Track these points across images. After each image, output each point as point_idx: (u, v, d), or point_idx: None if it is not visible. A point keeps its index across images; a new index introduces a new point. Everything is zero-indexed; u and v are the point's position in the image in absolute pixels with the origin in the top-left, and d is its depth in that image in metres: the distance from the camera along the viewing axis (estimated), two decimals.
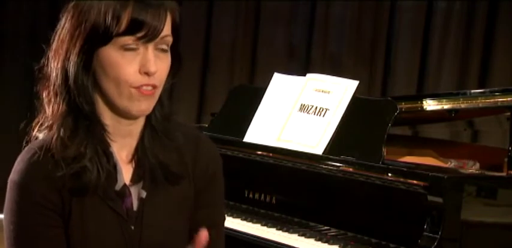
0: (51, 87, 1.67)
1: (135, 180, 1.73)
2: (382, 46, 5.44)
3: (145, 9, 1.62)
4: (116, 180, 1.69)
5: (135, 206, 1.72)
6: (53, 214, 1.66)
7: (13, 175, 1.68)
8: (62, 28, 1.67)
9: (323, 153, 2.77)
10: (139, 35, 1.62)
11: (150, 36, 1.62)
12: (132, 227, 1.71)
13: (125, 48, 1.62)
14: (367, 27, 5.43)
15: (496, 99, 2.95)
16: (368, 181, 2.62)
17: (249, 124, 3.03)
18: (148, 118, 1.73)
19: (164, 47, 1.66)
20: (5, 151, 3.99)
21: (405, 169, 2.57)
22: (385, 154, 2.64)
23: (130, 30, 1.61)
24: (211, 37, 5.48)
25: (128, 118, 1.70)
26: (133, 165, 1.73)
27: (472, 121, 3.55)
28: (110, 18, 1.60)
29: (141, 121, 1.73)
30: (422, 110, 3.05)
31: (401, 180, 2.53)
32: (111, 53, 1.63)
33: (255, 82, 5.32)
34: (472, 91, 3.11)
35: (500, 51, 5.26)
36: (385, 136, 2.66)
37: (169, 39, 1.67)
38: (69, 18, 1.65)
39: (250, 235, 2.77)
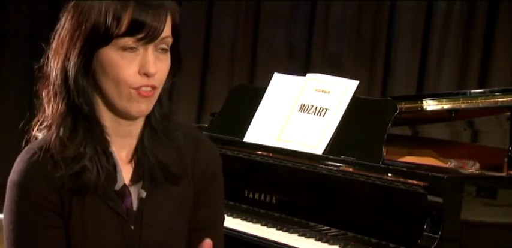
0: (51, 87, 1.67)
1: (134, 179, 1.72)
2: (382, 46, 5.43)
3: (145, 10, 1.61)
4: (115, 180, 1.69)
5: (134, 206, 1.72)
6: (53, 214, 1.66)
7: (13, 175, 1.68)
8: (62, 28, 1.66)
9: (323, 153, 2.77)
10: (139, 36, 1.61)
11: (150, 37, 1.62)
12: (132, 227, 1.71)
13: (125, 49, 1.62)
14: (367, 27, 5.42)
15: (496, 99, 2.95)
16: (368, 181, 2.62)
17: (249, 124, 3.03)
18: (147, 118, 1.73)
19: (164, 47, 1.66)
20: (5, 151, 3.98)
21: (405, 169, 2.57)
22: (385, 154, 2.64)
23: (130, 32, 1.61)
24: (211, 37, 5.48)
25: (128, 119, 1.70)
26: (133, 164, 1.73)
27: (472, 121, 3.55)
28: (110, 19, 1.60)
29: (140, 121, 1.73)
30: (422, 110, 3.05)
31: (401, 180, 2.52)
32: (110, 54, 1.63)
33: (255, 82, 5.32)
34: (472, 91, 3.11)
35: (500, 51, 5.26)
36: (385, 136, 2.66)
37: (169, 40, 1.67)
38: (69, 18, 1.65)
39: (250, 235, 2.77)
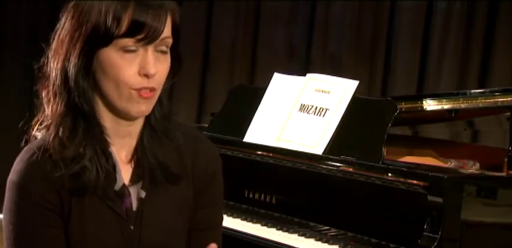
0: (51, 87, 1.67)
1: (134, 180, 1.72)
2: (382, 46, 5.43)
3: (145, 10, 1.61)
4: (115, 180, 1.69)
5: (134, 206, 1.72)
6: (52, 214, 1.66)
7: (12, 175, 1.68)
8: (62, 28, 1.66)
9: (323, 153, 2.77)
10: (139, 37, 1.61)
11: (150, 38, 1.62)
12: (132, 227, 1.71)
13: (125, 50, 1.62)
14: (367, 27, 5.42)
15: (496, 99, 2.95)
16: (368, 181, 2.62)
17: (249, 124, 3.03)
18: (147, 118, 1.73)
19: (164, 49, 1.66)
20: (5, 151, 3.98)
21: (405, 169, 2.57)
22: (385, 154, 2.64)
23: (130, 32, 1.61)
24: (211, 37, 5.48)
25: (127, 119, 1.70)
26: (133, 165, 1.73)
27: (472, 121, 3.55)
28: (110, 20, 1.60)
29: (140, 122, 1.73)
30: (422, 110, 3.05)
31: (401, 180, 2.52)
32: (111, 55, 1.63)
33: (255, 82, 5.32)
34: (472, 91, 3.11)
35: (500, 51, 5.25)
36: (385, 136, 2.66)
37: (169, 41, 1.67)
38: (69, 18, 1.65)
39: (250, 235, 2.77)
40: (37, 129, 1.71)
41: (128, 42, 1.61)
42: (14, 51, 5.29)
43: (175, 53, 1.70)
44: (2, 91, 5.33)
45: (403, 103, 3.00)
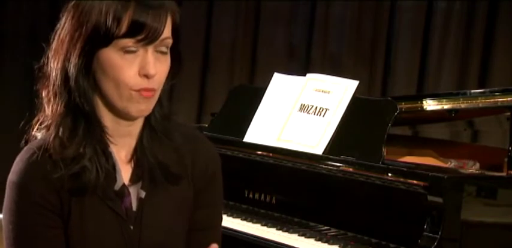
0: (51, 87, 1.67)
1: (134, 179, 1.72)
2: (382, 46, 5.43)
3: (146, 10, 1.61)
4: (115, 180, 1.69)
5: (134, 206, 1.72)
6: (52, 214, 1.66)
7: (12, 175, 1.68)
8: (62, 28, 1.66)
9: (323, 153, 2.77)
10: (139, 37, 1.61)
11: (150, 38, 1.62)
12: (131, 227, 1.71)
13: (125, 51, 1.62)
14: (367, 27, 5.42)
15: (496, 99, 2.95)
16: (368, 181, 2.62)
17: (249, 124, 3.03)
18: (147, 118, 1.73)
19: (164, 49, 1.66)
20: (5, 151, 3.98)
21: (405, 169, 2.57)
22: (385, 154, 2.64)
23: (130, 33, 1.60)
24: (211, 37, 5.48)
25: (127, 119, 1.70)
26: (132, 165, 1.73)
27: (472, 121, 3.55)
28: (110, 20, 1.60)
29: (140, 122, 1.73)
30: (422, 110, 3.05)
31: (401, 180, 2.52)
32: (111, 55, 1.63)
33: (255, 82, 5.31)
34: (472, 91, 3.11)
35: (500, 51, 5.25)
36: (385, 136, 2.66)
37: (169, 42, 1.67)
38: (69, 18, 1.65)
39: (250, 235, 2.77)
40: (37, 129, 1.71)
41: (128, 42, 1.61)
42: (14, 51, 5.29)
43: (176, 54, 1.70)
44: (2, 91, 5.32)
45: (403, 103, 3.00)
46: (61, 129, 1.65)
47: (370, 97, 2.98)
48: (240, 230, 2.80)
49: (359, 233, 2.63)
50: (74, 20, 1.64)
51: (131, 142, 1.73)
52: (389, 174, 2.56)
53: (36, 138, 1.71)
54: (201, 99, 5.49)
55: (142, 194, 1.72)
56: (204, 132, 2.98)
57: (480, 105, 2.97)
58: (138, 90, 1.64)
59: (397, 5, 5.40)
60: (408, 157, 2.99)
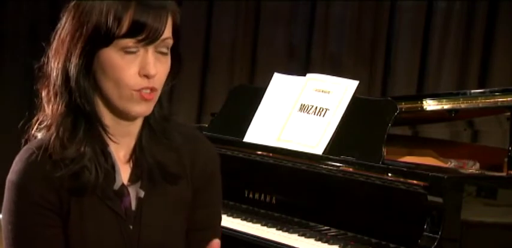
0: (51, 87, 1.67)
1: (133, 179, 1.72)
2: (382, 46, 5.43)
3: (146, 11, 1.61)
4: (114, 180, 1.69)
5: (133, 206, 1.72)
6: (51, 214, 1.66)
7: (11, 175, 1.68)
8: (63, 28, 1.66)
9: (323, 153, 2.77)
10: (140, 37, 1.61)
11: (151, 38, 1.62)
12: (131, 227, 1.71)
13: (125, 51, 1.62)
14: (367, 27, 5.42)
15: (496, 99, 2.95)
16: (368, 181, 2.62)
17: (249, 124, 3.03)
18: (146, 118, 1.73)
19: (164, 50, 1.66)
20: (5, 151, 3.98)
21: (405, 169, 2.57)
22: (385, 154, 2.64)
23: (131, 33, 1.61)
24: (211, 37, 5.48)
25: (127, 119, 1.70)
26: (132, 164, 1.73)
27: (472, 121, 3.55)
28: (111, 20, 1.60)
29: (139, 122, 1.73)
30: (422, 110, 3.05)
31: (401, 180, 2.52)
32: (111, 55, 1.63)
33: (255, 82, 5.31)
34: (472, 91, 3.11)
35: (500, 51, 5.25)
36: (385, 136, 2.66)
37: (170, 42, 1.67)
38: (70, 18, 1.65)
39: (250, 235, 2.77)
40: (37, 129, 1.71)
41: (129, 42, 1.61)
42: (14, 51, 5.29)
43: (176, 54, 1.70)
44: (2, 91, 5.32)
45: (403, 103, 3.00)
46: (61, 130, 1.65)
47: (370, 97, 2.98)
48: (240, 230, 2.80)
49: (359, 233, 2.63)
50: (75, 20, 1.64)
51: (130, 142, 1.73)
52: (389, 174, 2.56)
53: (36, 137, 1.71)
54: (201, 99, 5.49)
55: (142, 194, 1.72)
56: (204, 132, 2.99)
57: (480, 105, 2.97)
58: (139, 90, 1.64)
59: (397, 5, 5.39)
60: (408, 157, 2.99)
